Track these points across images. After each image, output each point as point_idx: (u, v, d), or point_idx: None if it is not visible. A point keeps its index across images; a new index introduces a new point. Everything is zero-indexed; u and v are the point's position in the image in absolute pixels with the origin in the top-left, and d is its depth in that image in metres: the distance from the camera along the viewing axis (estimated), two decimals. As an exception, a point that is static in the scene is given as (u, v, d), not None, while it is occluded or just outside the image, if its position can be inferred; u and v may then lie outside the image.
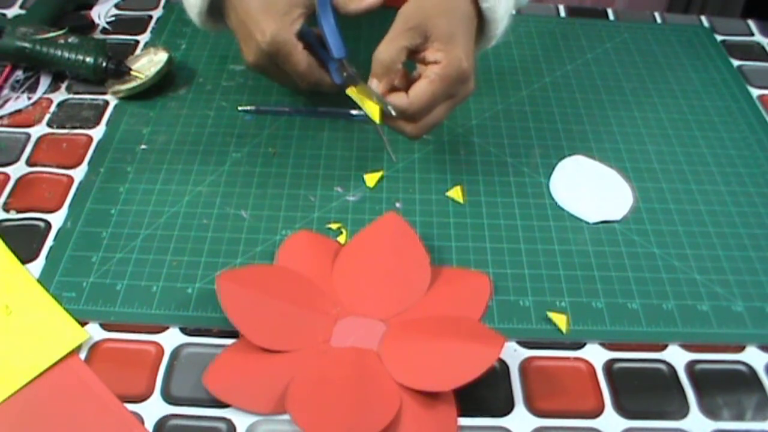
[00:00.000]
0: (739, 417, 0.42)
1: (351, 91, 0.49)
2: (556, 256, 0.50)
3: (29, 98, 0.61)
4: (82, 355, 0.43)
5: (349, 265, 0.47)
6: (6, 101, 0.61)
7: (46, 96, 0.62)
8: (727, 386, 0.43)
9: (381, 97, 0.46)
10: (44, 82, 0.63)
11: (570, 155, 0.58)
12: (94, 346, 0.44)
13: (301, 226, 0.51)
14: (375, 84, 0.46)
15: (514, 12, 0.50)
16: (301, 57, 0.49)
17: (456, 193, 0.54)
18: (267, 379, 0.41)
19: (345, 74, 0.50)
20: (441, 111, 0.48)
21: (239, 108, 0.61)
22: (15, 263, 0.48)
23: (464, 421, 0.41)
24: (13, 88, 0.62)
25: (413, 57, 0.47)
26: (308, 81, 0.50)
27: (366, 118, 0.60)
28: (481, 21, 0.49)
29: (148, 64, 0.61)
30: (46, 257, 0.49)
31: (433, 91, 0.46)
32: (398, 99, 0.46)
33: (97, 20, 0.71)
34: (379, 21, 0.47)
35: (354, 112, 0.60)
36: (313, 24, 0.49)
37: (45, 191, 0.53)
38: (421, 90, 0.46)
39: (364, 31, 0.51)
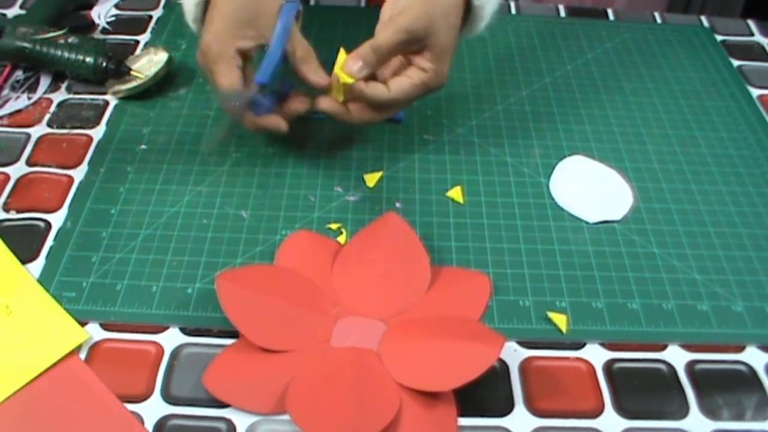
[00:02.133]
0: (739, 417, 0.42)
1: (342, 75, 0.47)
2: (556, 256, 0.50)
3: (29, 98, 0.61)
4: (82, 355, 0.43)
5: (349, 265, 0.47)
6: (6, 101, 0.61)
7: (46, 96, 0.62)
8: (727, 386, 0.43)
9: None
10: (44, 82, 0.63)
11: (570, 155, 0.58)
12: (94, 346, 0.44)
13: (301, 226, 0.51)
14: (357, 65, 0.47)
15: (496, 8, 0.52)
16: (226, 71, 0.47)
17: (456, 193, 0.54)
18: (267, 379, 0.41)
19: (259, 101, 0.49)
20: (402, 106, 0.51)
21: (239, 108, 0.61)
22: (15, 263, 0.48)
23: (464, 421, 0.41)
24: (13, 88, 0.62)
25: (401, 53, 0.49)
26: (221, 97, 0.49)
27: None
28: (468, 14, 0.50)
29: (148, 64, 0.61)
30: (46, 257, 0.49)
31: (414, 93, 0.49)
32: (379, 90, 0.48)
33: (97, 20, 0.71)
34: (356, 23, 0.48)
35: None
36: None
37: (45, 191, 0.53)
38: (403, 87, 0.48)
39: (340, 30, 0.51)
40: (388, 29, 0.46)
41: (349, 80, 0.47)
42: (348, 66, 0.47)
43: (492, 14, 0.51)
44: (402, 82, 0.48)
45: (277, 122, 0.50)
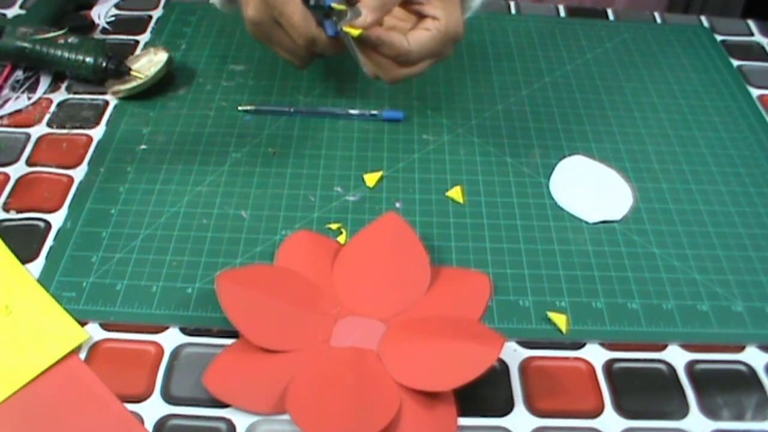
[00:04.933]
0: (739, 417, 0.42)
1: (348, 29, 0.48)
2: (556, 256, 0.50)
3: (29, 98, 0.61)
4: (82, 355, 0.43)
5: (349, 265, 0.47)
6: (6, 101, 0.61)
7: (46, 96, 0.62)
8: (727, 386, 0.43)
9: (376, 40, 0.48)
10: (44, 82, 0.63)
11: (570, 155, 0.58)
12: (94, 346, 0.44)
13: (301, 226, 0.51)
14: (363, 16, 0.47)
15: None
16: (296, 7, 0.49)
17: (456, 193, 0.54)
18: (267, 379, 0.41)
19: (338, 23, 0.49)
20: (424, 65, 0.51)
21: (239, 108, 0.61)
22: (15, 263, 0.48)
23: (464, 421, 0.41)
24: (13, 88, 0.62)
25: (406, 6, 0.49)
26: (304, 36, 0.50)
27: (365, 117, 0.60)
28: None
29: (148, 64, 0.61)
30: (46, 257, 0.49)
31: (434, 45, 0.48)
32: (397, 38, 0.48)
33: (97, 20, 0.71)
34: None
35: (354, 111, 0.60)
36: None
37: (45, 191, 0.53)
38: (423, 40, 0.48)
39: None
40: None
41: (355, 32, 0.47)
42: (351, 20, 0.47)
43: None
44: (419, 35, 0.48)
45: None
